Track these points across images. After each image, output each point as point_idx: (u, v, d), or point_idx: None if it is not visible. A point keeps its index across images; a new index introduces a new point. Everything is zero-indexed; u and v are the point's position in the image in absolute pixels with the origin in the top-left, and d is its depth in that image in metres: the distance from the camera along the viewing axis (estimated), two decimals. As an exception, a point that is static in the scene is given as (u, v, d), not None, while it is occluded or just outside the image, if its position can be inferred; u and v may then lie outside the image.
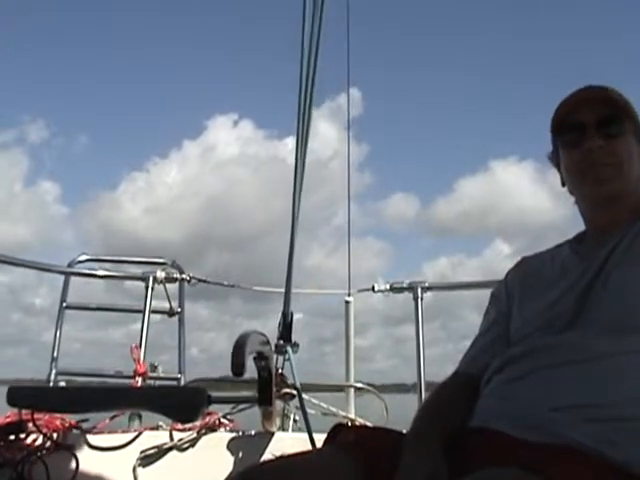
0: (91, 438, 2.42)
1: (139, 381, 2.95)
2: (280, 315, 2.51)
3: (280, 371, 2.47)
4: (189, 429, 2.47)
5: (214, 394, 1.93)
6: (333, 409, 2.97)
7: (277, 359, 2.45)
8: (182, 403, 1.80)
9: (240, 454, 2.42)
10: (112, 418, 2.54)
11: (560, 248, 1.40)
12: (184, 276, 3.32)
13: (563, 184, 1.37)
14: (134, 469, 2.36)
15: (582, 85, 1.34)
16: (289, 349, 2.43)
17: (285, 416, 2.82)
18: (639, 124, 1.32)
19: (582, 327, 1.16)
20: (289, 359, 2.44)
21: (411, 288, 3.31)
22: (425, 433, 1.14)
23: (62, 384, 3.11)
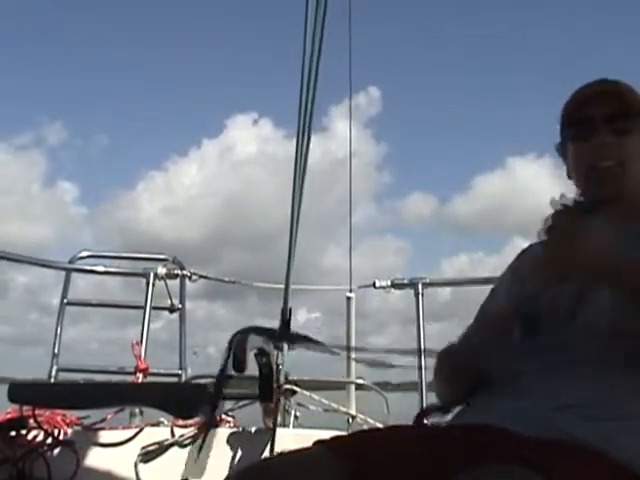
0: (92, 434, 2.42)
1: (140, 377, 2.95)
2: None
3: (280, 367, 2.47)
4: (190, 425, 2.47)
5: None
6: (334, 405, 2.97)
7: (277, 355, 2.45)
8: (183, 399, 1.81)
9: (241, 450, 2.43)
10: (113, 414, 2.54)
11: None
12: (185, 272, 3.32)
13: (569, 176, 1.36)
14: (135, 465, 2.37)
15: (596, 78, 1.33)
16: (285, 345, 2.43)
17: (286, 412, 2.82)
18: None
19: (582, 326, 1.15)
20: (283, 355, 2.44)
21: (412, 284, 3.31)
22: None
23: (68, 380, 3.13)
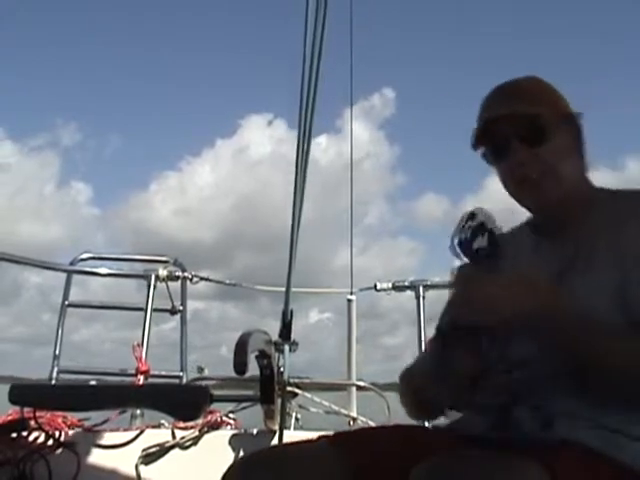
0: (93, 436, 2.42)
1: (141, 379, 2.95)
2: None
3: (282, 369, 2.47)
4: (191, 427, 2.47)
5: (216, 392, 1.93)
6: (335, 407, 2.97)
7: (279, 357, 2.45)
8: (184, 401, 1.80)
9: (242, 452, 2.42)
10: (114, 416, 2.54)
11: (519, 235, 1.34)
12: (186, 274, 3.32)
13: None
14: (136, 467, 2.36)
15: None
16: (285, 347, 2.43)
17: (287, 414, 2.82)
18: (565, 109, 1.25)
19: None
20: (284, 357, 2.44)
21: (413, 287, 3.31)
22: None
23: (69, 382, 3.13)
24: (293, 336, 2.42)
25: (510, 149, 1.21)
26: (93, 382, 3.12)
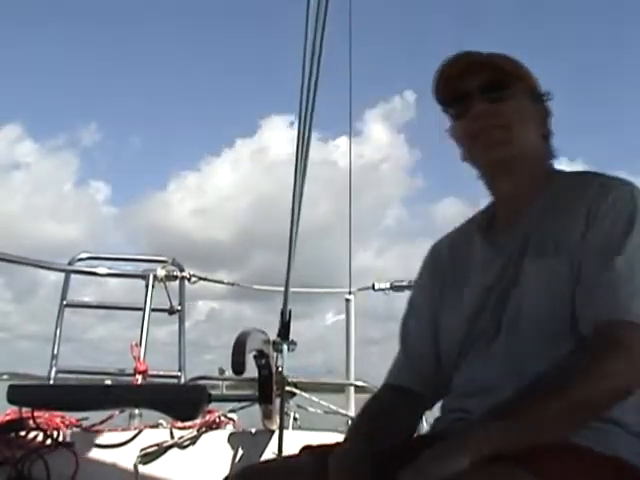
0: (91, 436, 2.42)
1: (139, 379, 2.95)
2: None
3: (280, 369, 2.47)
4: (189, 427, 2.47)
5: (214, 392, 1.93)
6: (333, 407, 2.97)
7: (277, 357, 2.45)
8: (183, 401, 1.81)
9: (240, 452, 2.43)
10: (113, 416, 2.53)
11: (471, 227, 1.31)
12: (184, 274, 3.32)
13: (464, 159, 1.28)
14: (135, 466, 2.36)
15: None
16: (284, 347, 2.43)
17: (285, 414, 2.82)
18: (534, 84, 1.24)
19: (511, 335, 1.12)
20: (282, 356, 2.45)
21: (411, 286, 3.30)
22: (354, 454, 1.08)
23: (67, 382, 3.13)
24: (299, 336, 2.44)
25: (473, 101, 1.19)
26: (91, 382, 3.12)
